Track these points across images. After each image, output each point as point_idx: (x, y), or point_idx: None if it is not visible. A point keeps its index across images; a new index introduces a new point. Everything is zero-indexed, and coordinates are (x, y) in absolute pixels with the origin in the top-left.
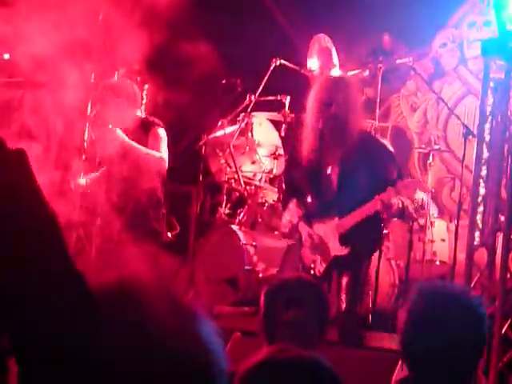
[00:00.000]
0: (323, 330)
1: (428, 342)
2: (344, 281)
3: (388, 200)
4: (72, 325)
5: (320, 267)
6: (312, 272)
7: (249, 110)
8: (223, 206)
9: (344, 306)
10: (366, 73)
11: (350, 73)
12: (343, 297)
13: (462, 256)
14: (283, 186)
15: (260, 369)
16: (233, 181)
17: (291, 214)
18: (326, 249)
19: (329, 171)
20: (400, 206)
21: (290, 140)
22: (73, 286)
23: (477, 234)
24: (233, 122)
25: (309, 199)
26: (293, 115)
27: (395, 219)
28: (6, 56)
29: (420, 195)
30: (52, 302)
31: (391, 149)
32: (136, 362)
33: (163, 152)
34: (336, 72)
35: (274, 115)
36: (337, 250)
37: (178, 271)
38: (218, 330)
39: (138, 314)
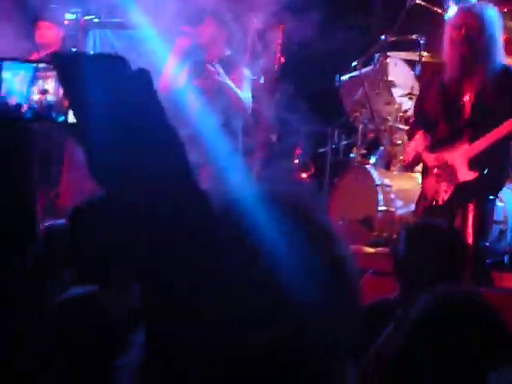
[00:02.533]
0: (460, 277)
1: None
2: (470, 215)
3: None
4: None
5: (444, 195)
6: (434, 203)
7: (384, 50)
8: (358, 146)
9: (471, 240)
10: (505, 10)
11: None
12: (470, 232)
13: None
14: (413, 114)
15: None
16: (368, 121)
17: (417, 144)
18: (454, 175)
19: (465, 99)
20: None
21: (425, 79)
22: (197, 205)
23: None
24: (368, 63)
25: (439, 129)
26: (428, 55)
27: None
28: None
29: None
30: (178, 223)
31: None
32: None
33: (245, 93)
34: None
35: (410, 55)
36: (465, 175)
37: None
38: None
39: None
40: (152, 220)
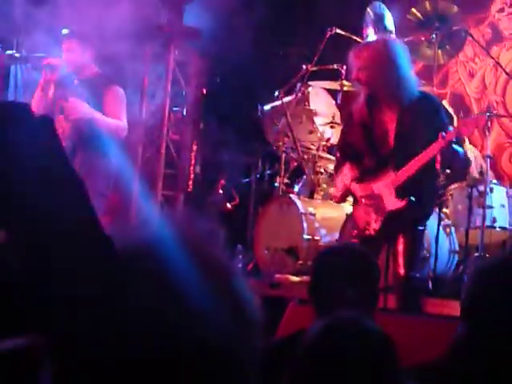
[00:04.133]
0: (374, 303)
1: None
2: (400, 245)
3: (450, 139)
4: (97, 288)
5: (375, 225)
6: (367, 232)
7: (305, 79)
8: (281, 175)
9: (402, 271)
10: (423, 39)
11: (406, 40)
12: (400, 261)
13: None
14: (337, 149)
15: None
16: (290, 150)
17: (344, 177)
18: (382, 205)
19: (386, 129)
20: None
21: (347, 109)
22: (99, 249)
23: None
24: (289, 92)
25: (366, 161)
26: (349, 84)
27: (453, 186)
28: (65, 31)
29: (478, 161)
30: (78, 265)
31: (449, 109)
32: (163, 324)
33: (123, 115)
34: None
35: (331, 84)
36: (392, 203)
37: (215, 231)
38: (252, 287)
39: (167, 273)
40: (48, 260)
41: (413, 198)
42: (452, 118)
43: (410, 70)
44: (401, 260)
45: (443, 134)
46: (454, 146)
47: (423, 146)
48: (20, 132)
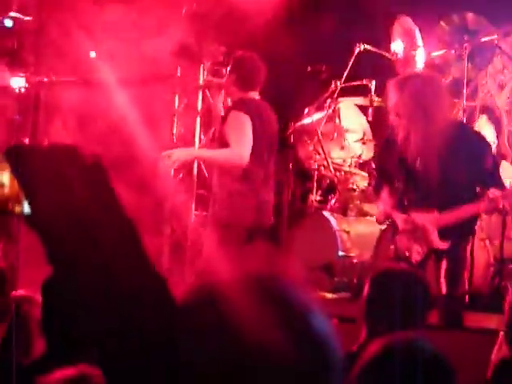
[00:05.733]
0: (425, 318)
1: None
2: (443, 265)
3: (495, 201)
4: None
5: (417, 256)
6: (408, 260)
7: (335, 96)
8: (314, 193)
9: (444, 289)
10: (452, 52)
11: (435, 53)
12: (442, 280)
13: None
14: (375, 171)
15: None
16: (322, 168)
17: (385, 203)
18: (425, 237)
19: (425, 163)
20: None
21: (378, 124)
22: (153, 288)
23: None
24: (320, 109)
25: (404, 191)
26: (379, 99)
27: None
28: (92, 54)
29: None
30: (134, 301)
31: (486, 138)
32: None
33: (237, 142)
34: (420, 54)
35: (361, 100)
36: (437, 243)
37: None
38: (329, 321)
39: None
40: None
41: (456, 238)
42: (490, 149)
43: (447, 109)
44: (443, 279)
45: (490, 194)
46: None
47: (464, 186)
48: (71, 177)
